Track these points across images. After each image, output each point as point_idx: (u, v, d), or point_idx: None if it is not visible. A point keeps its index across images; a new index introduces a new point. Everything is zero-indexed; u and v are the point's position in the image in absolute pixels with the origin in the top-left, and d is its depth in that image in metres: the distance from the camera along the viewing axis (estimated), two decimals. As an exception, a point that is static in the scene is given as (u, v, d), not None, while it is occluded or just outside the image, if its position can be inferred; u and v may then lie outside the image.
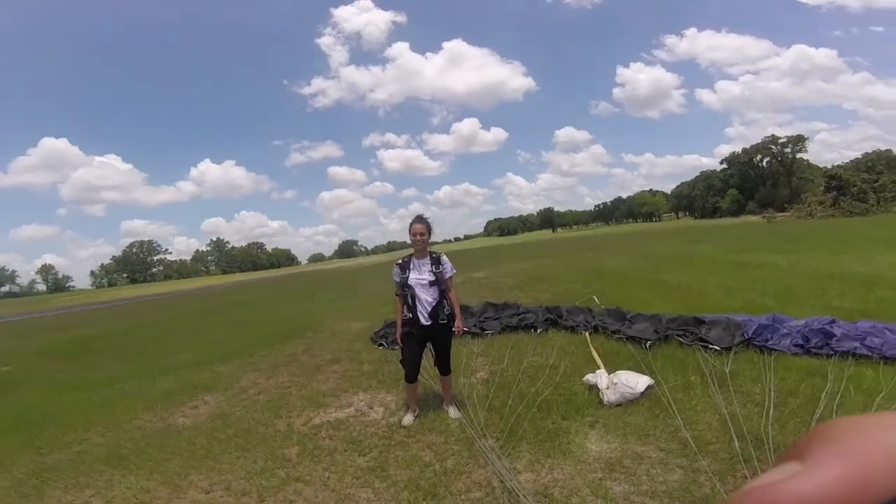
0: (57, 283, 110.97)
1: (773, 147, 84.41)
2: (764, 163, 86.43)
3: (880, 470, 0.21)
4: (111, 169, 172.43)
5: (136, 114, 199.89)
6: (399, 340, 3.86)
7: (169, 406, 5.04)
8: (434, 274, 3.69)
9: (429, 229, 3.76)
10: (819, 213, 39.44)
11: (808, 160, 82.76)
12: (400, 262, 3.81)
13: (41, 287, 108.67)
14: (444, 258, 3.80)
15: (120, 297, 50.27)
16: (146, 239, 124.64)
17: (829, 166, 51.33)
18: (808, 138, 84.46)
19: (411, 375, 3.79)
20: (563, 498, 2.56)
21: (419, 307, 3.67)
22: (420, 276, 3.70)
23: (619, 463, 2.83)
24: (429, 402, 4.16)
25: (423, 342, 3.79)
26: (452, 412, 3.84)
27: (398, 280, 3.75)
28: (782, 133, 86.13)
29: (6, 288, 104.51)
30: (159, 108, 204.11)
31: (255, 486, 3.10)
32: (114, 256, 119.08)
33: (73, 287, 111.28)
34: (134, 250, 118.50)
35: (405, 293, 3.70)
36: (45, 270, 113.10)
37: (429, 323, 3.67)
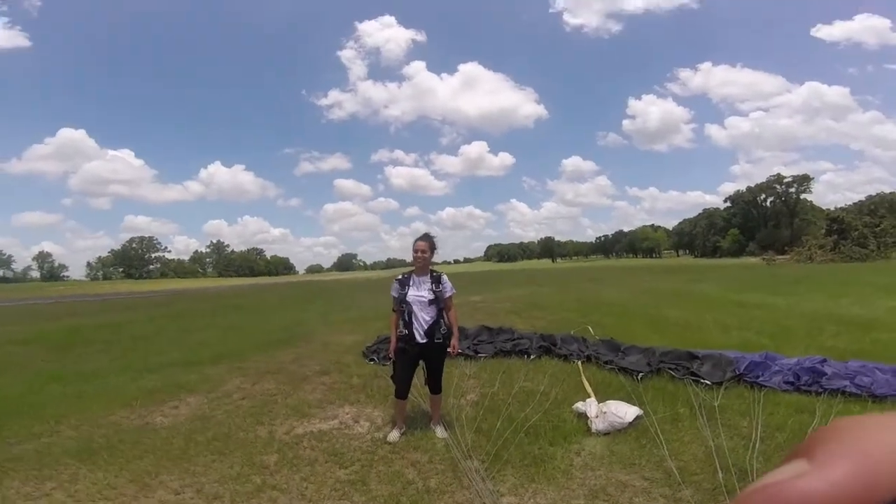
0: (52, 272, 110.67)
1: (778, 186, 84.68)
2: (767, 202, 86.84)
3: (886, 469, 0.21)
4: (122, 163, 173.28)
5: (154, 111, 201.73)
6: (392, 355, 3.83)
7: (149, 404, 4.95)
8: (434, 293, 3.68)
9: (432, 248, 3.76)
10: (819, 257, 39.54)
11: (811, 201, 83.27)
12: (400, 277, 3.80)
13: (35, 274, 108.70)
14: (445, 278, 3.81)
15: (115, 291, 49.93)
16: (147, 235, 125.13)
17: (833, 208, 51.62)
18: (813, 178, 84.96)
19: (402, 391, 3.75)
20: (544, 524, 2.50)
21: (416, 324, 3.65)
22: (419, 293, 3.68)
23: (602, 490, 2.80)
24: (416, 419, 4.10)
25: (417, 359, 3.76)
26: (439, 432, 3.78)
27: (396, 296, 3.74)
28: (788, 172, 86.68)
29: (0, 272, 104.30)
30: (176, 108, 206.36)
31: (229, 490, 3.03)
32: (112, 250, 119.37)
33: (68, 277, 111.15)
34: (133, 245, 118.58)
35: (402, 309, 3.68)
36: (42, 258, 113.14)
37: (424, 341, 3.64)
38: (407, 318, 3.66)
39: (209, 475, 3.26)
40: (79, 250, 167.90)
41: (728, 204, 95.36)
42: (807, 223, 70.08)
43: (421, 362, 3.81)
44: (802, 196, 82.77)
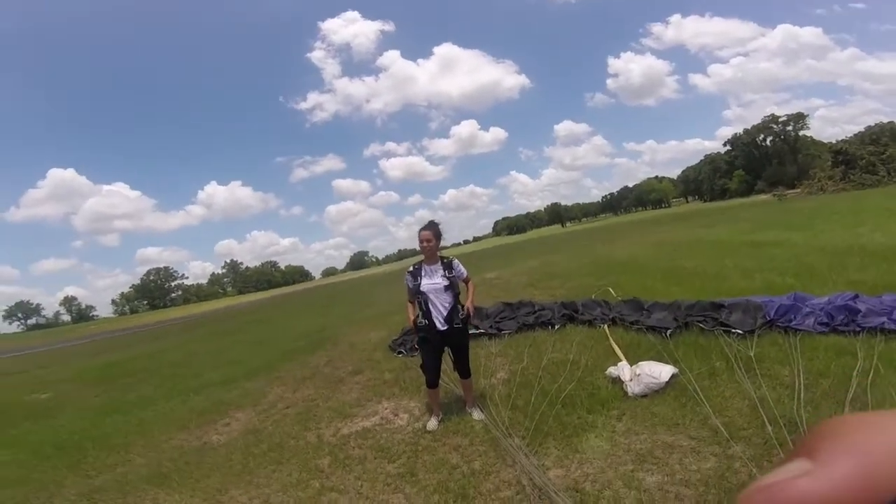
0: (81, 313, 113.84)
1: (775, 126, 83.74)
2: (767, 142, 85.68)
3: (888, 469, 0.21)
4: (120, 197, 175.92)
5: (139, 140, 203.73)
6: (416, 330, 3.88)
7: (202, 424, 5.17)
8: (448, 279, 3.70)
9: (437, 235, 3.75)
10: (830, 187, 38.77)
11: (811, 136, 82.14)
12: (411, 269, 3.83)
13: (66, 318, 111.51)
14: (456, 262, 3.83)
15: (142, 323, 51.13)
16: (162, 266, 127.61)
17: (834, 141, 50.49)
18: (807, 115, 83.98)
19: (432, 380, 3.82)
20: (595, 492, 2.56)
21: (434, 312, 3.69)
22: (433, 281, 3.70)
23: (649, 454, 2.82)
24: (451, 405, 4.19)
25: (441, 346, 3.82)
26: (476, 414, 3.85)
27: (411, 286, 3.78)
28: (781, 112, 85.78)
29: (33, 320, 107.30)
30: (161, 134, 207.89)
31: (293, 497, 3.15)
32: (133, 285, 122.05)
33: (97, 316, 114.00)
34: (151, 277, 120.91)
35: (419, 300, 3.73)
36: (68, 302, 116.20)
37: (445, 328, 3.69)
38: (424, 307, 3.71)
39: (272, 485, 3.40)
40: (101, 289, 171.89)
41: (728, 147, 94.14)
42: (811, 157, 68.70)
43: (446, 349, 3.86)
44: (801, 133, 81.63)
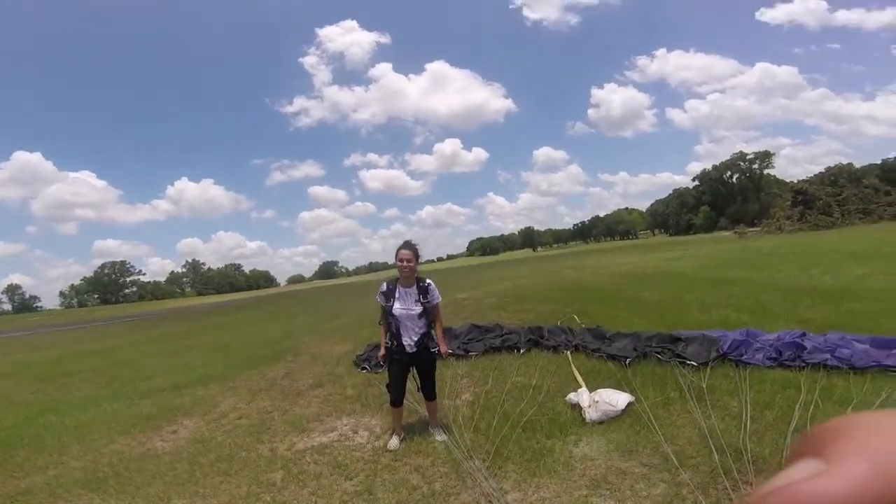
0: (24, 304, 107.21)
1: (742, 163, 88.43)
2: (734, 179, 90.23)
3: None
4: (85, 185, 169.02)
5: (112, 129, 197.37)
6: (381, 361, 3.83)
7: (147, 430, 4.93)
8: (422, 305, 3.61)
9: (416, 256, 3.62)
10: (787, 227, 41.03)
11: (774, 175, 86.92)
12: (384, 289, 3.69)
13: (7, 307, 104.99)
14: (433, 286, 3.70)
15: (93, 318, 48.44)
16: (119, 259, 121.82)
17: (795, 180, 53.72)
18: (774, 154, 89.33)
19: (397, 399, 3.76)
20: (549, 516, 2.59)
21: (405, 337, 3.61)
22: (407, 306, 3.58)
23: (603, 479, 2.88)
24: (414, 425, 4.15)
25: (408, 367, 3.76)
26: (439, 435, 3.83)
27: (381, 302, 3.68)
28: (750, 149, 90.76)
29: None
30: (136, 124, 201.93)
31: (240, 512, 3.04)
32: (85, 277, 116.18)
33: (41, 307, 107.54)
34: (106, 271, 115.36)
35: (390, 323, 3.63)
36: (12, 290, 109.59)
37: (414, 351, 3.64)
38: (395, 330, 3.61)
39: (219, 497, 3.27)
40: (50, 280, 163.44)
41: (696, 182, 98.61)
42: (772, 196, 72.73)
43: (412, 370, 3.81)
44: (766, 171, 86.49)
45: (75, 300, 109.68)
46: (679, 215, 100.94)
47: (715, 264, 15.01)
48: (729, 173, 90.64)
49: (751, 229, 48.83)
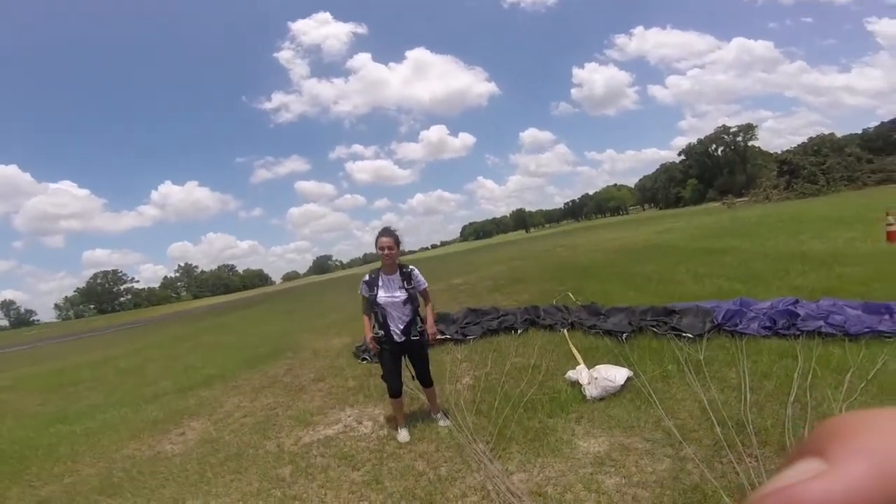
0: (20, 318, 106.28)
1: (726, 136, 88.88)
2: (719, 152, 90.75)
3: None
4: (67, 196, 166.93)
5: (88, 137, 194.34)
6: (373, 351, 3.78)
7: (156, 434, 4.97)
8: (406, 291, 3.56)
9: (397, 242, 3.55)
10: (775, 196, 41.39)
11: (759, 147, 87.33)
12: (367, 278, 3.63)
13: (3, 322, 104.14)
14: (416, 272, 3.66)
15: (90, 328, 48.04)
16: (110, 269, 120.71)
17: (780, 151, 54.07)
18: (756, 126, 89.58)
19: (395, 390, 3.73)
20: (556, 495, 2.63)
21: (391, 326, 3.58)
22: (391, 293, 3.54)
23: (607, 456, 2.92)
24: (416, 412, 4.20)
25: (400, 355, 3.72)
26: (441, 420, 3.86)
27: (367, 296, 3.62)
28: (732, 122, 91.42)
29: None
30: (112, 131, 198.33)
31: (252, 508, 3.07)
32: (78, 288, 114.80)
33: (38, 321, 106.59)
34: (98, 281, 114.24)
35: (375, 311, 3.58)
36: (6, 306, 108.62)
37: (402, 339, 3.61)
38: (382, 319, 3.56)
39: (231, 495, 3.30)
40: (42, 294, 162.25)
41: (682, 157, 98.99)
42: (758, 167, 73.13)
43: (405, 360, 3.79)
44: (750, 143, 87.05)
45: (71, 312, 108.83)
46: (667, 189, 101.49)
47: (706, 235, 15.14)
48: (714, 146, 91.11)
49: (739, 199, 49.18)
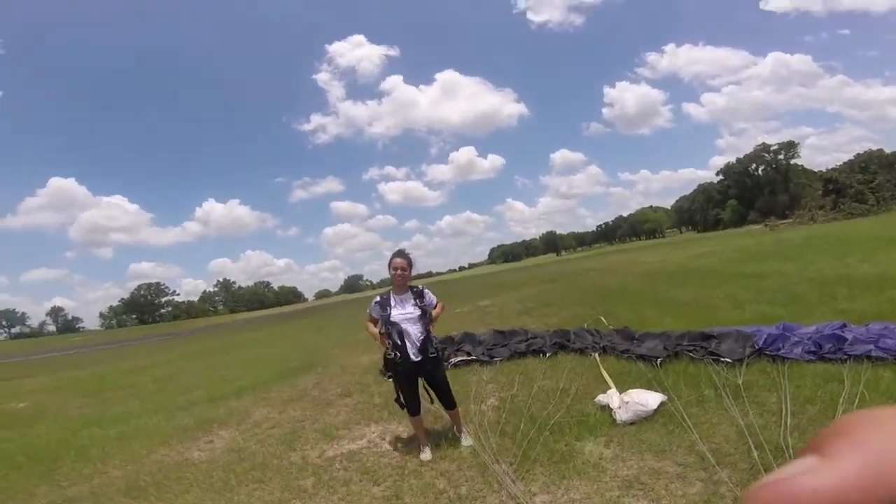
0: (67, 325, 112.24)
1: (766, 155, 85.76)
2: (759, 171, 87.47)
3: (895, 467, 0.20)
4: (118, 210, 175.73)
5: (140, 154, 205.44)
6: (390, 376, 3.76)
7: (185, 440, 5.11)
8: (419, 308, 3.60)
9: (410, 264, 3.63)
10: (821, 217, 39.43)
11: (802, 165, 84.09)
12: (378, 299, 3.68)
13: (51, 328, 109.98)
14: (427, 290, 3.71)
15: (131, 338, 50.13)
16: (154, 281, 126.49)
17: (825, 170, 51.74)
18: (798, 143, 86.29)
19: (413, 408, 3.72)
20: (581, 518, 2.54)
21: (408, 343, 3.57)
22: (405, 311, 3.58)
23: (636, 480, 2.81)
24: (440, 430, 4.15)
25: (416, 376, 3.69)
26: (464, 440, 3.80)
27: (377, 316, 3.64)
28: (772, 140, 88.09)
29: (17, 329, 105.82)
30: (162, 149, 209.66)
31: (273, 518, 3.09)
32: (122, 299, 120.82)
33: (83, 328, 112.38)
34: (142, 292, 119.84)
35: (390, 331, 3.56)
36: (55, 312, 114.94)
37: (419, 358, 3.59)
38: (398, 339, 3.55)
39: (253, 503, 3.33)
40: (89, 302, 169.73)
41: (721, 177, 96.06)
42: (802, 187, 70.51)
43: (424, 385, 3.76)
44: (792, 161, 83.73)
45: (114, 321, 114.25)
46: (706, 211, 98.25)
47: (746, 258, 14.53)
48: (754, 165, 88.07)
49: (782, 221, 47.09)
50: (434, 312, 3.72)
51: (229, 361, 12.45)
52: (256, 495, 3.47)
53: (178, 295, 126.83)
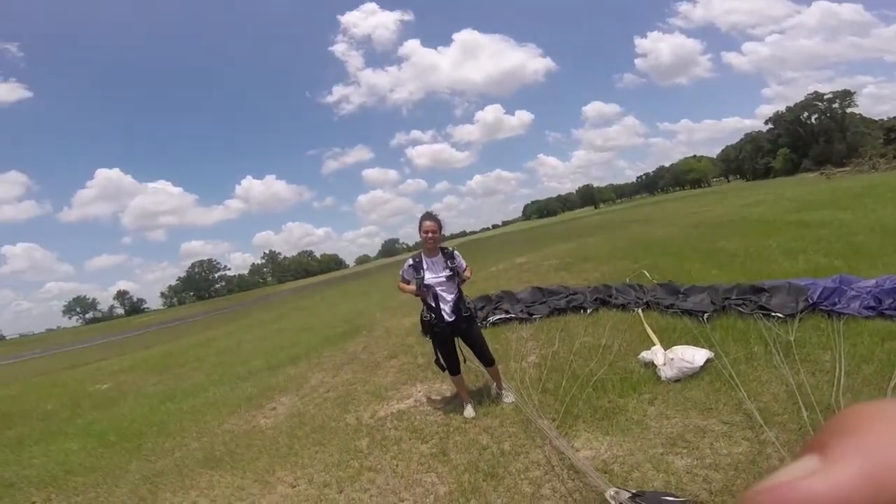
0: (133, 306, 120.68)
1: (820, 103, 78.39)
2: (812, 120, 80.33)
3: None
4: (164, 194, 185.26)
5: (177, 140, 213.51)
6: (431, 340, 3.86)
7: (251, 409, 5.46)
8: (451, 269, 3.66)
9: (440, 226, 3.69)
10: (883, 165, 36.09)
11: (860, 114, 76.56)
12: (411, 262, 3.75)
13: (119, 311, 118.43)
14: (457, 252, 3.77)
15: (192, 314, 53.43)
16: (205, 258, 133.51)
17: (885, 118, 47.02)
18: (854, 92, 77.65)
19: (454, 369, 3.84)
20: (623, 473, 2.61)
21: (442, 305, 3.66)
22: (437, 274, 3.66)
23: (680, 437, 2.82)
24: (482, 388, 4.30)
25: (452, 336, 3.79)
26: (506, 397, 3.91)
27: (409, 279, 3.73)
28: (825, 89, 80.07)
29: (90, 315, 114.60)
30: (198, 132, 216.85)
31: (334, 477, 3.34)
32: (179, 277, 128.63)
33: (148, 308, 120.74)
34: (196, 270, 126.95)
35: (426, 293, 3.65)
36: (121, 296, 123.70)
37: (453, 318, 3.67)
38: (433, 301, 3.65)
39: (315, 466, 3.60)
40: (150, 283, 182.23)
41: (770, 126, 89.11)
42: (860, 135, 64.51)
43: (460, 343, 3.85)
44: (849, 110, 76.06)
45: (175, 299, 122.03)
46: (755, 160, 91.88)
47: (800, 207, 13.62)
48: (806, 114, 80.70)
49: (839, 170, 43.42)
50: (464, 275, 3.76)
51: (282, 330, 13.13)
52: (318, 458, 3.72)
53: (229, 269, 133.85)
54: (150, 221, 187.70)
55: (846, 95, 76.34)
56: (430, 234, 3.63)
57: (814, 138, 77.44)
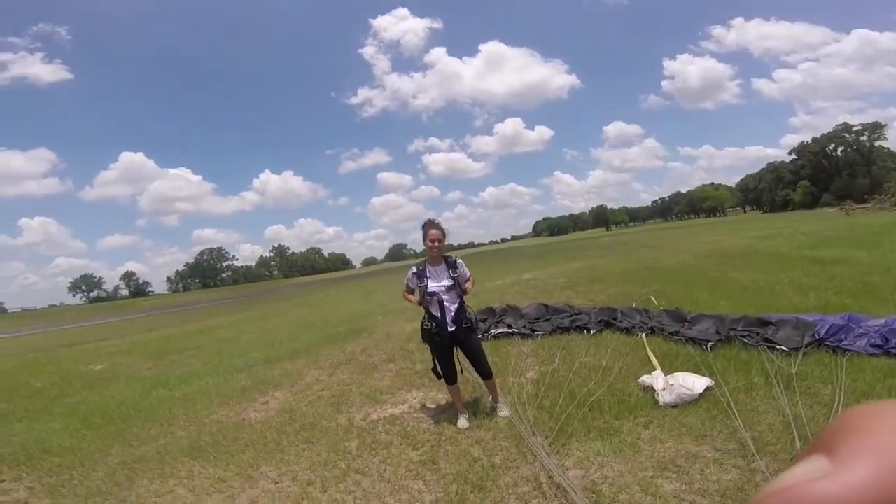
0: (138, 289, 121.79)
1: (847, 135, 77.47)
2: (838, 152, 79.35)
3: None
4: (183, 181, 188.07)
5: (203, 129, 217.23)
6: (430, 349, 3.86)
7: (243, 401, 5.43)
8: (453, 279, 3.67)
9: (444, 235, 3.71)
10: (906, 203, 35.46)
11: (888, 148, 75.50)
12: (415, 270, 3.77)
13: (124, 292, 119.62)
14: (461, 262, 3.79)
15: (195, 301, 53.72)
16: (216, 246, 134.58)
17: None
18: (885, 125, 76.71)
19: (450, 378, 3.84)
20: (611, 494, 2.57)
21: (445, 314, 3.67)
22: (439, 283, 3.67)
23: (671, 462, 2.79)
24: (478, 400, 4.26)
25: (451, 346, 3.78)
26: (501, 411, 3.88)
27: (413, 287, 3.76)
28: (855, 121, 79.27)
29: (94, 293, 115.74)
30: (222, 123, 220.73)
31: (319, 476, 3.32)
32: (187, 263, 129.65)
33: (152, 291, 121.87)
34: (205, 257, 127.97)
35: (430, 301, 3.66)
36: (128, 276, 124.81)
37: (454, 328, 3.67)
38: (435, 310, 3.66)
39: (301, 463, 3.57)
40: (158, 267, 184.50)
41: (794, 156, 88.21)
42: (886, 170, 63.69)
43: (458, 354, 3.84)
44: (877, 143, 75.15)
45: (180, 285, 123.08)
46: (774, 191, 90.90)
47: (816, 243, 13.45)
48: (832, 146, 79.82)
49: (860, 206, 42.80)
50: (466, 286, 3.76)
51: (283, 324, 13.16)
52: (305, 455, 3.70)
53: (237, 260, 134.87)
54: (167, 206, 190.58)
55: (876, 128, 75.53)
56: (435, 243, 3.66)
57: (837, 171, 76.50)
